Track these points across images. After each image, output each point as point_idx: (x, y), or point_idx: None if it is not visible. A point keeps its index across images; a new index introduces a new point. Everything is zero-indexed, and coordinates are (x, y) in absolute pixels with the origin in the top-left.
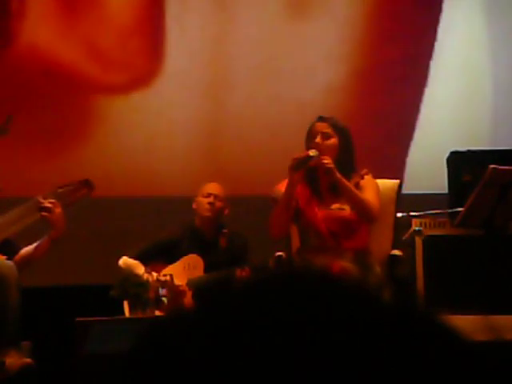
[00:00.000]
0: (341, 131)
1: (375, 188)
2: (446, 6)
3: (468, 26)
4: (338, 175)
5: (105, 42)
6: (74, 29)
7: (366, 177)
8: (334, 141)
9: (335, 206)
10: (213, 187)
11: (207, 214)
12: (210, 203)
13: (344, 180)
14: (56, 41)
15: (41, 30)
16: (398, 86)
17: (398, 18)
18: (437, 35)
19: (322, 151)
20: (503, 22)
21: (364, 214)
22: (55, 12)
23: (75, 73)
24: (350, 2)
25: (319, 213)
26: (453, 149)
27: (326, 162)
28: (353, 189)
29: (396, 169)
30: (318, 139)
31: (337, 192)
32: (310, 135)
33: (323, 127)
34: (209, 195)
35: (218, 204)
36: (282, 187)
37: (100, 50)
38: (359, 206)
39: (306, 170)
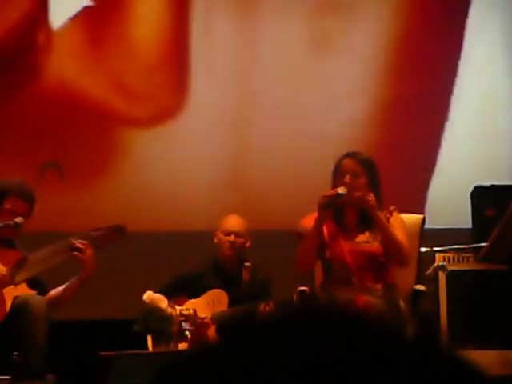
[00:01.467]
0: (369, 168)
1: (405, 228)
2: (466, 41)
3: (488, 61)
4: (379, 214)
5: (130, 76)
6: (100, 63)
7: (394, 214)
8: (363, 180)
9: (361, 239)
10: (233, 224)
11: (228, 252)
12: (230, 242)
13: (384, 220)
14: (82, 75)
15: (67, 64)
16: (419, 119)
17: (419, 52)
18: (457, 70)
19: (351, 191)
20: None
21: (398, 257)
22: (82, 46)
23: (101, 107)
24: (372, 38)
25: (345, 246)
26: (475, 183)
27: (369, 199)
28: (392, 230)
29: (417, 202)
30: (347, 179)
31: (363, 226)
32: (339, 172)
33: (352, 165)
34: (229, 233)
35: (239, 241)
36: (307, 222)
37: (126, 84)
38: (395, 248)
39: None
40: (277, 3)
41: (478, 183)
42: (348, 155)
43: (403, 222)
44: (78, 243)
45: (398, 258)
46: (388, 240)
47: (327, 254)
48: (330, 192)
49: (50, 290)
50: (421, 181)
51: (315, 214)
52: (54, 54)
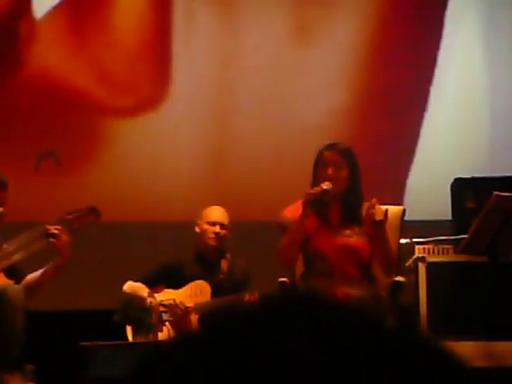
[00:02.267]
0: (351, 160)
1: (391, 231)
2: (446, 33)
3: (467, 52)
4: (385, 231)
5: (112, 66)
6: (82, 52)
7: (376, 206)
8: (345, 172)
9: (344, 233)
10: (218, 215)
11: (212, 243)
12: (215, 232)
13: (386, 237)
14: (65, 65)
15: (50, 55)
16: (399, 110)
17: (399, 44)
18: (437, 61)
19: (334, 183)
20: (502, 49)
21: (388, 268)
22: (64, 36)
23: (83, 96)
24: (353, 29)
25: (327, 240)
26: (453, 175)
27: (379, 218)
28: (390, 246)
29: (396, 192)
30: (330, 171)
31: (346, 221)
32: (321, 164)
33: (334, 157)
34: (214, 224)
35: (223, 232)
36: (288, 213)
37: (108, 74)
38: (387, 261)
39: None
40: None
41: (458, 175)
42: (329, 147)
43: (396, 224)
44: (53, 229)
45: (387, 270)
46: (385, 254)
47: (309, 247)
48: (315, 189)
49: (27, 275)
50: (399, 171)
51: (296, 205)
52: (37, 44)
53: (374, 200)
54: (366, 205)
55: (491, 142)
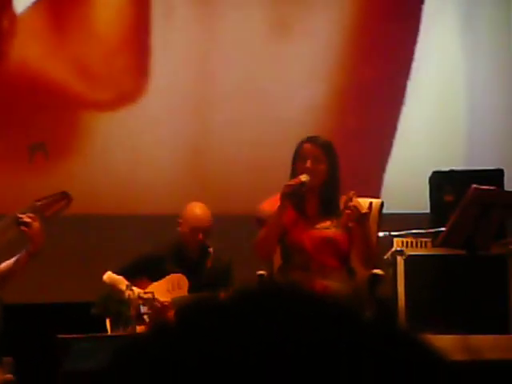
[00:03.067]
0: (330, 153)
1: (374, 227)
2: (423, 27)
3: (445, 46)
4: (368, 223)
5: (92, 60)
6: (62, 47)
7: (353, 199)
8: (324, 165)
9: (322, 226)
10: (201, 220)
11: (195, 248)
12: (199, 240)
13: (369, 229)
14: (44, 58)
15: (30, 48)
16: (376, 104)
17: (376, 38)
18: (414, 55)
19: (312, 175)
20: (479, 43)
21: (368, 260)
22: (44, 31)
23: (63, 90)
24: (331, 24)
25: (305, 233)
26: (429, 168)
27: (364, 211)
28: (371, 241)
29: (373, 185)
30: (308, 164)
31: (324, 213)
32: (300, 156)
33: (313, 150)
34: (197, 230)
35: (207, 235)
36: (266, 206)
37: (87, 68)
38: (368, 254)
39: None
40: None
41: (435, 168)
42: (309, 140)
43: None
44: (24, 217)
45: (368, 262)
46: (366, 247)
47: (286, 239)
48: (293, 181)
49: None
50: (376, 164)
51: (274, 199)
52: (18, 38)
53: (351, 193)
54: (343, 198)
55: (468, 135)
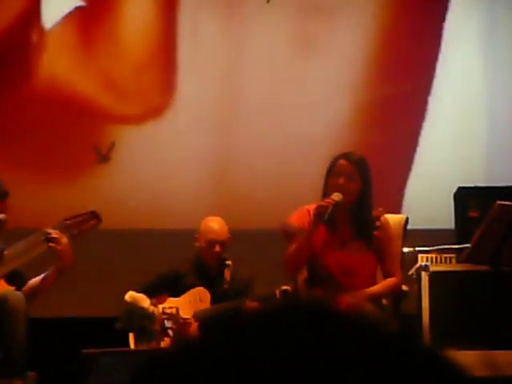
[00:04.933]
0: (364, 172)
1: (396, 243)
2: (444, 43)
3: (465, 63)
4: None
5: (119, 75)
6: (90, 62)
7: (382, 218)
8: (357, 184)
9: (351, 247)
10: (217, 233)
11: (213, 260)
12: (215, 252)
13: (376, 293)
14: (73, 73)
15: (58, 63)
16: (398, 119)
17: (398, 55)
18: (435, 71)
19: (344, 193)
20: (500, 59)
21: (396, 293)
22: (73, 46)
23: (90, 104)
24: (354, 41)
25: (334, 256)
26: (450, 184)
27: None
28: (383, 292)
29: (395, 201)
30: (341, 180)
31: (356, 234)
32: (333, 172)
33: (348, 167)
34: (213, 243)
35: (224, 248)
36: (294, 220)
37: (115, 82)
38: (391, 293)
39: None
40: (262, 4)
41: (456, 184)
42: (345, 156)
43: (393, 236)
44: (53, 233)
45: (396, 293)
46: (386, 295)
47: (314, 257)
48: (326, 201)
49: (29, 280)
50: (398, 179)
51: (302, 211)
52: (46, 53)
53: (380, 210)
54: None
55: (488, 151)
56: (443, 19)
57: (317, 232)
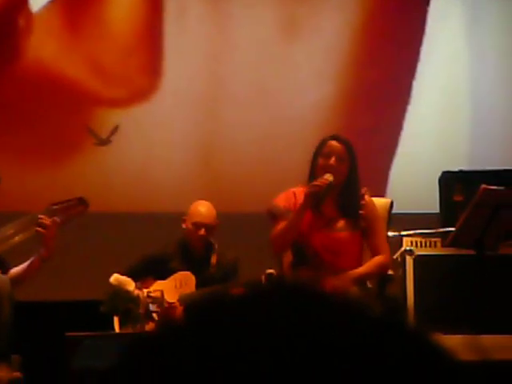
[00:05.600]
0: (352, 154)
1: (382, 222)
2: (428, 28)
3: (450, 47)
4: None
5: (106, 58)
6: (77, 45)
7: (366, 197)
8: (346, 165)
9: (336, 226)
10: (204, 216)
11: (198, 244)
12: (201, 235)
13: (365, 274)
14: (60, 56)
15: (46, 46)
16: (382, 104)
17: (383, 39)
18: (419, 56)
19: (334, 174)
20: (485, 44)
21: (383, 273)
22: (60, 29)
23: (78, 87)
24: (339, 25)
25: (319, 235)
26: (434, 168)
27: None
28: (370, 272)
29: (379, 184)
30: (332, 161)
31: (341, 213)
32: (323, 153)
33: (339, 149)
34: (199, 226)
35: (210, 232)
36: (280, 201)
37: (102, 66)
38: (379, 273)
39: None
40: None
41: (442, 168)
42: (334, 137)
43: (377, 212)
44: (44, 218)
45: (383, 273)
46: (374, 276)
47: (299, 237)
48: (320, 181)
49: (11, 268)
50: (382, 162)
51: (288, 193)
52: (34, 37)
53: (364, 189)
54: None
55: (472, 135)
56: (428, 3)
57: (304, 215)
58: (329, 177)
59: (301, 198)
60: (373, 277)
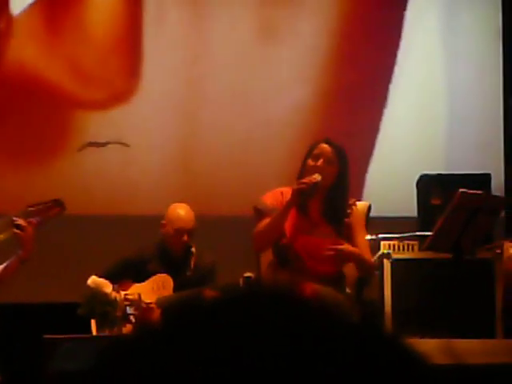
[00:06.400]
0: (343, 160)
1: (364, 231)
2: (405, 32)
3: (426, 51)
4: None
5: (86, 61)
6: (57, 48)
7: (354, 208)
8: (335, 169)
9: (320, 230)
10: (185, 221)
11: (179, 248)
12: (184, 241)
13: (358, 254)
14: (40, 59)
15: (25, 49)
16: (359, 107)
17: (360, 43)
18: (396, 59)
19: (322, 176)
20: (460, 48)
21: (367, 274)
22: (40, 32)
23: (57, 89)
24: (316, 28)
25: (303, 239)
26: (411, 171)
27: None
28: (363, 259)
29: (355, 187)
30: (320, 162)
31: (325, 218)
32: (313, 154)
33: (328, 151)
34: (181, 232)
35: (190, 236)
36: (267, 199)
37: (81, 69)
38: (365, 270)
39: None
40: None
41: (419, 172)
42: (326, 140)
43: (363, 222)
44: (21, 221)
45: (367, 274)
46: (360, 265)
47: (282, 238)
48: (308, 179)
49: None
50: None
51: (276, 192)
52: (14, 39)
53: (352, 200)
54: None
55: (449, 139)
56: (404, 8)
57: (289, 213)
58: (317, 176)
59: (288, 198)
60: (362, 266)
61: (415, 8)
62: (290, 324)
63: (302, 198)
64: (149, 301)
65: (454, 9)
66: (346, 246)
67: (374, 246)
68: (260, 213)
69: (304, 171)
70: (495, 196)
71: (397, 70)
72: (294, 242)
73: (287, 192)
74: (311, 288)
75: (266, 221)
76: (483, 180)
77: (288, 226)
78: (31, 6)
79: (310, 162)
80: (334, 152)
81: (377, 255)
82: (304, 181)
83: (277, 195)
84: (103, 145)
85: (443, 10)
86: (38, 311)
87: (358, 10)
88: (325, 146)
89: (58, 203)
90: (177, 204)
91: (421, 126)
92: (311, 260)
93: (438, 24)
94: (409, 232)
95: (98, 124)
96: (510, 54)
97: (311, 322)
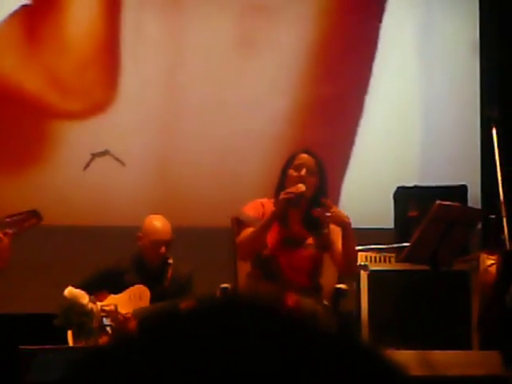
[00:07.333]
0: (322, 171)
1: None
2: (381, 44)
3: (401, 63)
4: (352, 232)
5: (63, 71)
6: (36, 59)
7: (332, 210)
8: (315, 180)
9: (301, 241)
10: (162, 234)
11: (157, 260)
12: (161, 253)
13: (350, 224)
14: (19, 69)
15: (5, 59)
16: (335, 118)
17: (336, 55)
18: (372, 71)
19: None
20: (435, 60)
21: (350, 269)
22: (19, 43)
23: (35, 100)
24: (294, 40)
25: (283, 246)
26: (386, 183)
27: (346, 220)
28: (351, 232)
29: (331, 197)
30: (303, 172)
31: (307, 229)
32: (294, 165)
33: (310, 162)
34: (159, 245)
35: (168, 248)
36: (248, 210)
37: (59, 79)
38: (351, 261)
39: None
40: (204, 3)
41: (392, 184)
42: (306, 151)
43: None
44: None
45: (349, 270)
46: (349, 251)
47: (264, 251)
48: (293, 189)
49: None
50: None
51: (256, 203)
52: None
53: (328, 201)
54: (317, 211)
55: (425, 150)
56: (380, 21)
57: (274, 222)
58: (302, 186)
59: (269, 209)
60: (349, 254)
61: (392, 20)
62: (266, 334)
63: (285, 207)
64: (125, 312)
65: (430, 20)
66: (340, 211)
67: None
68: (241, 223)
69: (285, 181)
70: (472, 208)
71: (373, 81)
72: (276, 255)
73: (267, 203)
74: (293, 299)
75: (250, 230)
76: (460, 192)
77: (270, 237)
78: (10, 16)
79: (293, 172)
80: (314, 162)
81: None
82: (291, 190)
83: (258, 206)
84: (100, 155)
85: (419, 22)
86: (14, 322)
87: (336, 22)
88: (305, 156)
89: (34, 214)
90: (153, 216)
91: (397, 138)
92: (290, 271)
93: (415, 35)
94: (386, 244)
95: (76, 134)
96: (486, 65)
97: (289, 333)
